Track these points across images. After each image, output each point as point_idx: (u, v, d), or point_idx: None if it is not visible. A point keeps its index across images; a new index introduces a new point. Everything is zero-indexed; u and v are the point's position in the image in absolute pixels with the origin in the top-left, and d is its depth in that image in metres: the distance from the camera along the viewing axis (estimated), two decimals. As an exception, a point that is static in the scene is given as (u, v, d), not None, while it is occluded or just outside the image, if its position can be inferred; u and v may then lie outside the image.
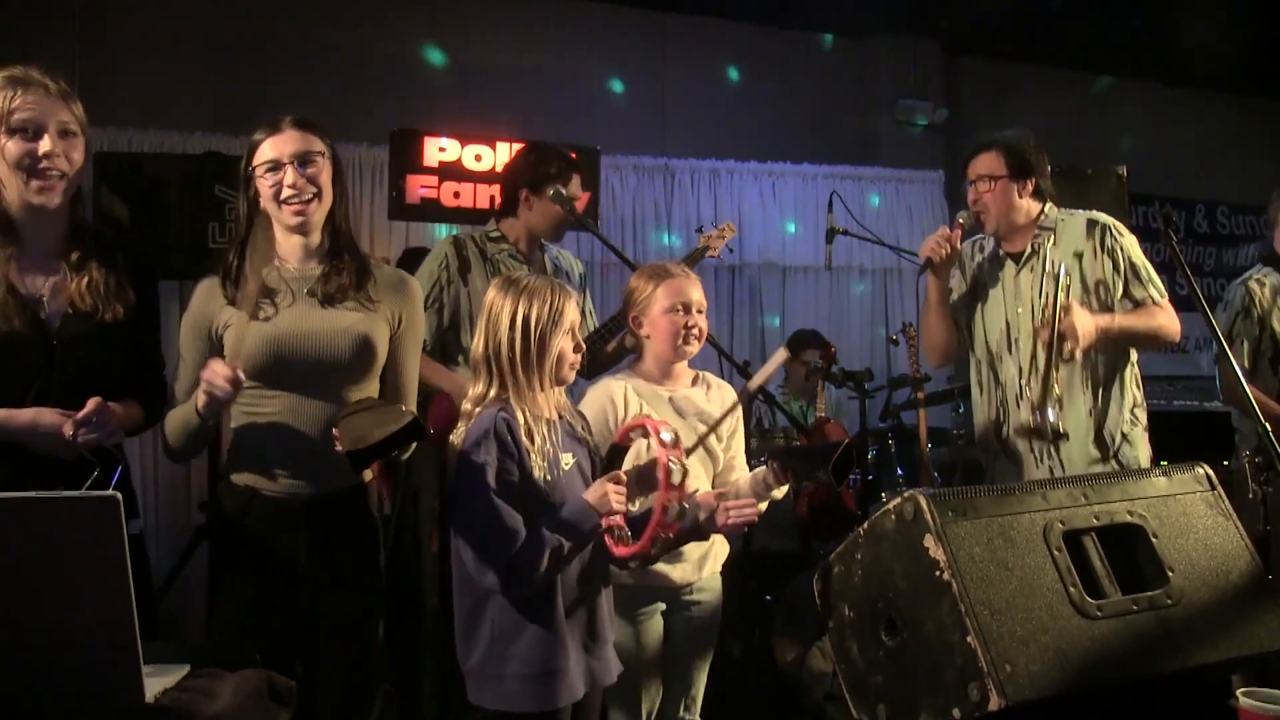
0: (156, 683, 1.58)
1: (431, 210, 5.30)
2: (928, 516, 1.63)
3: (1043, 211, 3.21)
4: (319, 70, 5.86)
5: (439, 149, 5.23)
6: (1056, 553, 1.68)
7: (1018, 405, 3.17)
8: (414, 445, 2.37)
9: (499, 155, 5.28)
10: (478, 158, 5.27)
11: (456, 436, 2.28)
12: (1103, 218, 3.20)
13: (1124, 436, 3.12)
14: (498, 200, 3.75)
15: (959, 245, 3.22)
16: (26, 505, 1.46)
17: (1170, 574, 1.75)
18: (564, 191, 3.42)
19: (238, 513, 2.38)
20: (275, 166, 2.34)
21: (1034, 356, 3.11)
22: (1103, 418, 3.11)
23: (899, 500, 1.70)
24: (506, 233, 3.50)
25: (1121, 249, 3.13)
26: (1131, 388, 3.18)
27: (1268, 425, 2.23)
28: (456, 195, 5.25)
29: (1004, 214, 3.18)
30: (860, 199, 6.81)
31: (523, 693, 2.19)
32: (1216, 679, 1.82)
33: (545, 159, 3.48)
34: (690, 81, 6.88)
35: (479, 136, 5.32)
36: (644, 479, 2.40)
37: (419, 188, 5.20)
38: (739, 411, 2.89)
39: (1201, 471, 1.94)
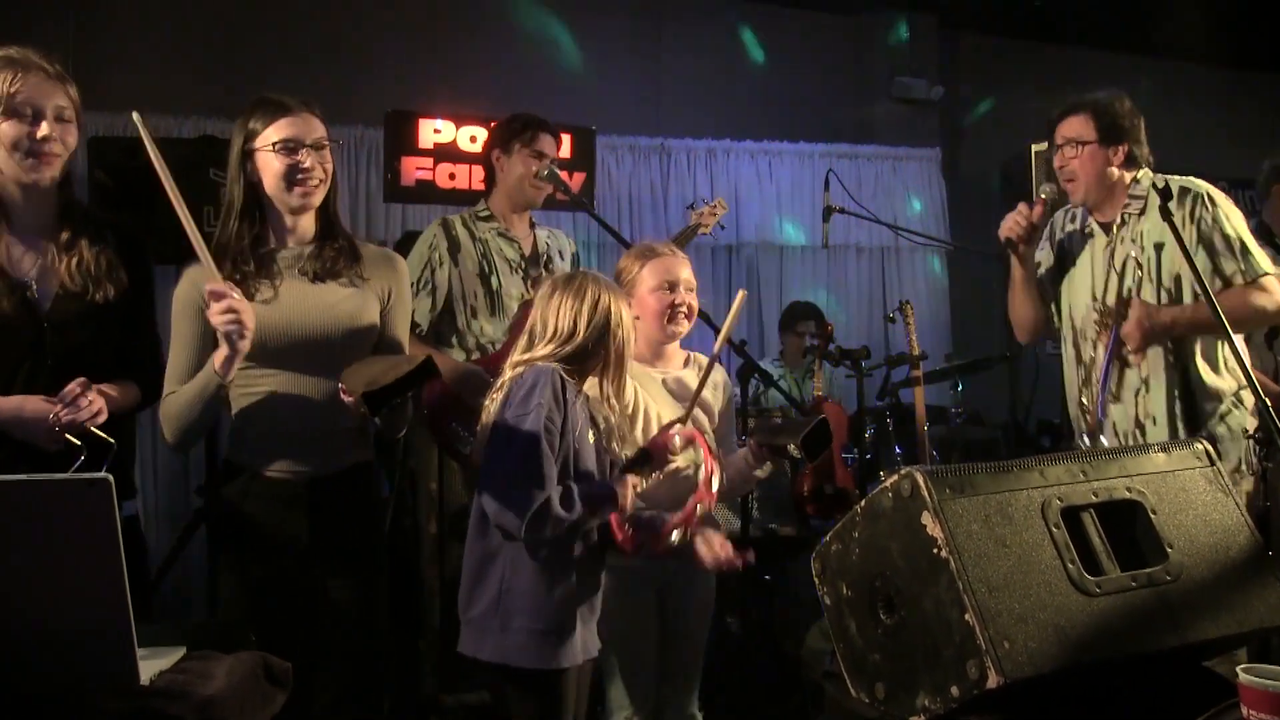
0: (152, 665, 1.58)
1: (427, 192, 5.26)
2: (925, 494, 1.63)
3: (1135, 179, 2.94)
4: (314, 53, 5.82)
5: (434, 130, 5.20)
6: (1055, 529, 1.67)
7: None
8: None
9: (493, 136, 5.25)
10: (472, 139, 5.23)
11: (498, 393, 2.28)
12: (1197, 185, 2.88)
13: (1221, 424, 2.85)
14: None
15: (1038, 221, 2.98)
16: (18, 488, 1.45)
17: (1169, 550, 1.75)
18: (534, 148, 3.46)
19: (239, 494, 2.37)
20: (292, 148, 2.34)
21: (1092, 360, 2.93)
22: (1189, 405, 2.86)
23: (896, 478, 1.69)
24: (494, 209, 3.54)
25: (1212, 220, 2.83)
26: (1224, 372, 2.89)
27: (1268, 401, 2.22)
28: (452, 177, 5.21)
29: (1093, 182, 2.93)
30: (857, 177, 6.76)
31: (527, 646, 2.17)
32: (1216, 655, 1.82)
33: (512, 118, 3.55)
34: (686, 61, 6.84)
35: (473, 117, 5.28)
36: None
37: (414, 169, 5.17)
38: (728, 391, 2.90)
39: (1201, 447, 1.93)
